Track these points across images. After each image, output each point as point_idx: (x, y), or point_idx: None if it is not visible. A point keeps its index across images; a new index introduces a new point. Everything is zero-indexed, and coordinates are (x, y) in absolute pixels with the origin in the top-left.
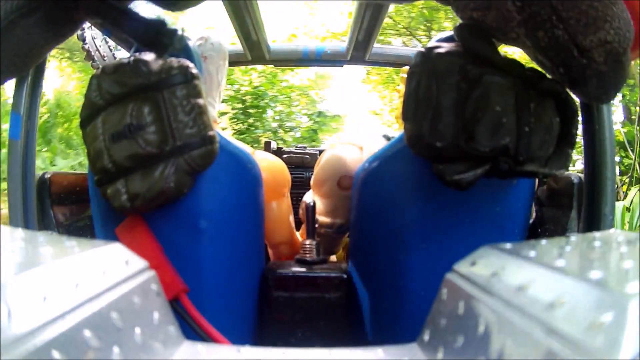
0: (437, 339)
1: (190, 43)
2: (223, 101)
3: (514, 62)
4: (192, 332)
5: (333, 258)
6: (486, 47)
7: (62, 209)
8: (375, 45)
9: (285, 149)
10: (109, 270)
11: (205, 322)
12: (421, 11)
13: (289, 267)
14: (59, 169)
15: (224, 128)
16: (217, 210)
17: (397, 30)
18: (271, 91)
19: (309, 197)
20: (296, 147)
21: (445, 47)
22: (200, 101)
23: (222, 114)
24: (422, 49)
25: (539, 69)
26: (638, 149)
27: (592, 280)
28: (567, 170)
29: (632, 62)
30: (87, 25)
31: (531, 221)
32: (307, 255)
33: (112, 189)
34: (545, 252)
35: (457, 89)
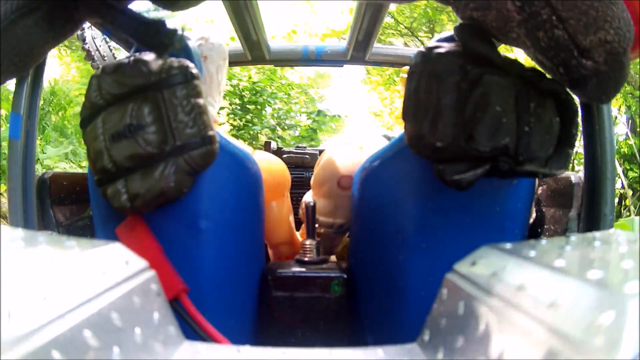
0: (437, 339)
1: (190, 43)
2: None
3: (514, 62)
4: (192, 332)
5: (333, 258)
6: (486, 47)
7: (62, 209)
8: (375, 45)
9: (285, 149)
10: (109, 270)
11: (205, 322)
12: (425, 11)
13: (289, 267)
14: (48, 157)
15: (221, 123)
16: (217, 210)
17: (399, 31)
18: (270, 88)
19: (309, 197)
20: (296, 147)
21: (445, 47)
22: (200, 101)
23: (220, 108)
24: (422, 49)
25: (539, 69)
26: None
27: (592, 280)
28: (567, 170)
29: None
30: (87, 25)
31: (531, 221)
32: (307, 255)
33: (112, 189)
34: (545, 252)
35: (457, 89)
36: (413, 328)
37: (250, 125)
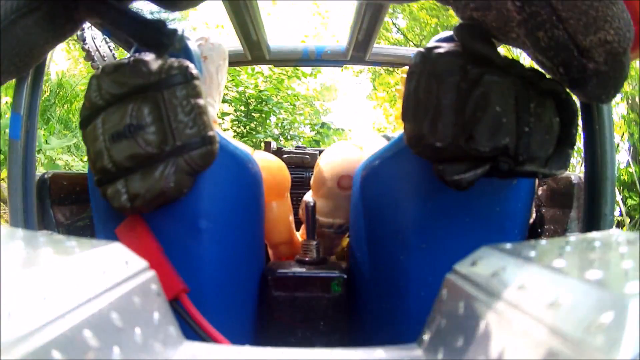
0: (437, 339)
1: (190, 43)
2: (227, 102)
3: (514, 62)
4: (192, 332)
5: (333, 258)
6: (486, 47)
7: (62, 209)
8: (375, 45)
9: (285, 149)
10: (109, 270)
11: (205, 322)
12: (435, 29)
13: (288, 267)
14: (51, 148)
15: (225, 129)
16: (217, 210)
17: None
18: (276, 97)
19: (309, 197)
20: (296, 147)
21: (445, 47)
22: (200, 101)
23: (225, 114)
24: (422, 49)
25: (539, 69)
26: None
27: (592, 280)
28: (567, 170)
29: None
30: (87, 25)
31: (531, 221)
32: (307, 255)
33: (112, 189)
34: (545, 252)
35: (457, 89)
36: (413, 328)
37: (254, 133)
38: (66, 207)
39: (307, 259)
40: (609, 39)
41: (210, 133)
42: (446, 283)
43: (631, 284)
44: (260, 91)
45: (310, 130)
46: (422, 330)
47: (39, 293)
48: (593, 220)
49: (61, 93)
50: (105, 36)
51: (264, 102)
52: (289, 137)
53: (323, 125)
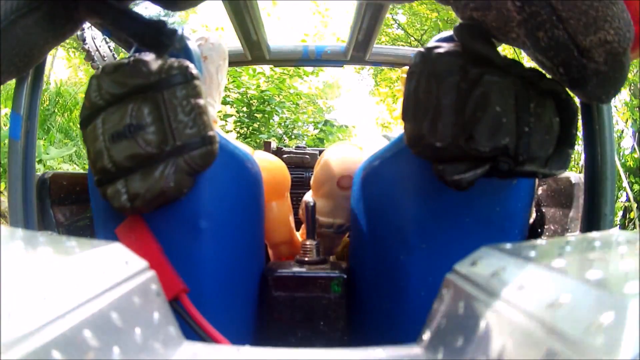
0: (437, 339)
1: (190, 43)
2: (229, 103)
3: (514, 62)
4: (192, 332)
5: (333, 258)
6: (486, 47)
7: (62, 209)
8: (375, 45)
9: (285, 149)
10: (109, 270)
11: (205, 322)
12: (435, 23)
13: (288, 267)
14: (51, 158)
15: (228, 131)
16: (217, 210)
17: (409, 43)
18: (278, 97)
19: (309, 197)
20: (296, 147)
21: (445, 47)
22: (200, 101)
23: (227, 116)
24: (422, 49)
25: (539, 69)
26: None
27: (591, 280)
28: (567, 170)
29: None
30: (87, 25)
31: (531, 221)
32: (307, 255)
33: (112, 189)
34: (545, 252)
35: (457, 89)
36: (413, 328)
37: (257, 133)
38: (66, 207)
39: (307, 259)
40: (609, 39)
41: (210, 133)
42: (446, 283)
43: (631, 284)
44: (262, 91)
45: (314, 129)
46: (422, 330)
47: (39, 293)
48: (593, 220)
49: (61, 101)
50: (105, 36)
51: (266, 102)
52: (292, 136)
53: (326, 122)
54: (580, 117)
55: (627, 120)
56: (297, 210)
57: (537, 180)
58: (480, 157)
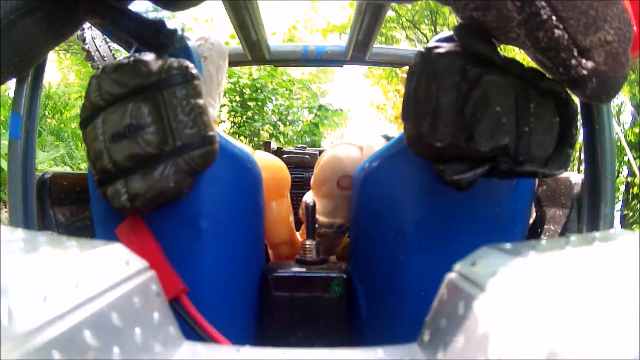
0: (437, 339)
1: (190, 43)
2: None
3: (514, 62)
4: (192, 332)
5: (333, 258)
6: (486, 47)
7: (62, 209)
8: (375, 45)
9: (285, 149)
10: (109, 271)
11: (205, 322)
12: (427, 3)
13: (288, 267)
14: (40, 162)
15: (222, 121)
16: (217, 210)
17: (401, 24)
18: (271, 84)
19: (309, 197)
20: (296, 147)
21: (445, 47)
22: (200, 101)
23: (221, 106)
24: (422, 49)
25: (539, 69)
26: None
27: (592, 280)
28: (567, 170)
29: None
30: (87, 25)
31: (531, 221)
32: (307, 255)
33: (112, 189)
34: (545, 252)
35: (457, 89)
36: (413, 328)
37: (251, 121)
38: (66, 207)
39: (307, 259)
40: (609, 39)
41: (210, 133)
42: (446, 283)
43: (631, 284)
44: (254, 80)
45: (309, 114)
46: (422, 330)
47: (39, 293)
48: (593, 220)
49: (50, 104)
50: (105, 36)
51: (259, 90)
52: (287, 123)
53: (321, 107)
54: (580, 117)
55: (626, 94)
56: (297, 210)
57: (537, 180)
58: (480, 157)
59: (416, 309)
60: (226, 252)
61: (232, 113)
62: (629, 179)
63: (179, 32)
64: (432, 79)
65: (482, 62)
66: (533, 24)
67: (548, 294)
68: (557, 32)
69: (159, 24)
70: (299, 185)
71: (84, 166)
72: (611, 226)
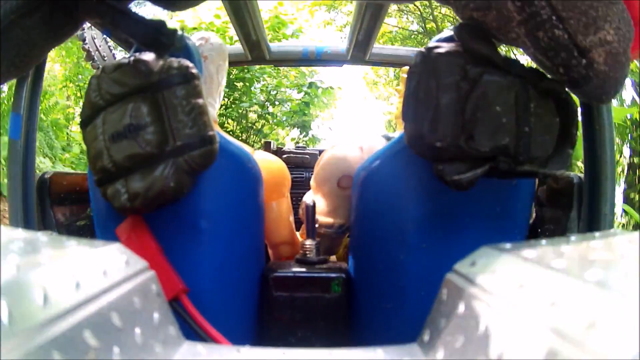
0: (437, 339)
1: (190, 43)
2: None
3: (514, 62)
4: (192, 332)
5: (333, 258)
6: (486, 47)
7: (62, 209)
8: (375, 45)
9: (285, 149)
10: (109, 271)
11: (205, 322)
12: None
13: (289, 267)
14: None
15: None
16: (217, 210)
17: (399, 9)
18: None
19: (309, 197)
20: (296, 147)
21: (445, 47)
22: (200, 101)
23: None
24: (422, 49)
25: (539, 69)
26: None
27: (591, 280)
28: (567, 170)
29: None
30: (87, 25)
31: (531, 221)
32: (307, 255)
33: (112, 189)
34: (545, 252)
35: (457, 89)
36: (413, 328)
37: (239, 102)
38: (66, 207)
39: (307, 259)
40: (609, 39)
41: (210, 133)
42: (446, 283)
43: (631, 284)
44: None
45: (298, 92)
46: (422, 330)
47: (39, 293)
48: (593, 220)
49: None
50: (105, 36)
51: (246, 70)
52: (277, 103)
53: (311, 85)
54: (580, 117)
55: None
56: (297, 210)
57: (537, 180)
58: (480, 157)
59: (416, 309)
60: (226, 252)
61: None
62: (634, 160)
63: (179, 32)
64: (432, 79)
65: (482, 62)
66: (533, 24)
67: (548, 293)
68: (557, 32)
69: (159, 24)
70: (299, 185)
71: (67, 156)
72: (611, 226)
